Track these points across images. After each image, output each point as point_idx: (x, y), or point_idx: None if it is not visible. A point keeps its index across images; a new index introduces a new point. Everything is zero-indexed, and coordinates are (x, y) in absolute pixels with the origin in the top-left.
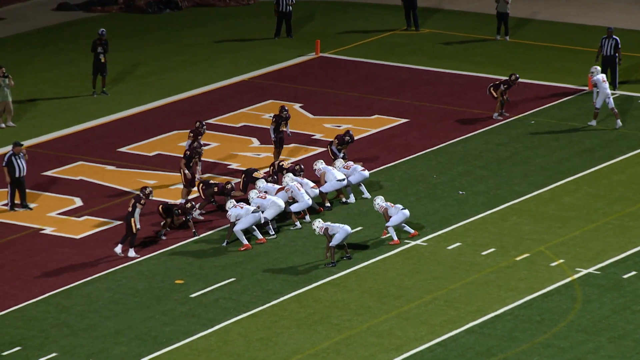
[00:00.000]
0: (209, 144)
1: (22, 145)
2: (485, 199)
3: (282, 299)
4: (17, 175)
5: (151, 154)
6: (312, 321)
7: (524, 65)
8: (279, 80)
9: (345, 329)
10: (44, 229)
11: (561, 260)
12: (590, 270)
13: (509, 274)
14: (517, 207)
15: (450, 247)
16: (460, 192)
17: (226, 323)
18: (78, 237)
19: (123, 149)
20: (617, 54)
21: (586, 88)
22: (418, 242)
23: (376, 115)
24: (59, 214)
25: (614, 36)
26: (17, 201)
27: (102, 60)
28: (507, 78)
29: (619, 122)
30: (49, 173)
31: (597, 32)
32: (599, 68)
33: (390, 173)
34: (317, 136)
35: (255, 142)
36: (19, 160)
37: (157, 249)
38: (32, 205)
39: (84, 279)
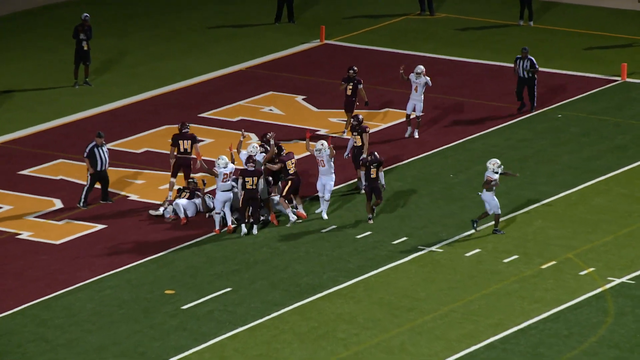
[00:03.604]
0: (203, 140)
1: (103, 137)
2: (507, 201)
3: (282, 311)
4: (99, 168)
5: (139, 151)
6: (316, 336)
7: (549, 54)
8: (279, 70)
9: (352, 345)
10: (20, 234)
11: (591, 269)
12: (624, 279)
13: (533, 283)
14: (543, 209)
15: (468, 254)
16: (480, 193)
17: (221, 338)
18: (58, 242)
19: (108, 146)
20: (534, 75)
21: (618, 78)
22: (433, 248)
23: (386, 109)
24: (37, 217)
25: (530, 57)
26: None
27: (85, 48)
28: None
29: None
30: (25, 172)
31: (631, 17)
32: None
33: (402, 172)
34: (322, 131)
35: (254, 137)
36: (102, 152)
37: (144, 256)
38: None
39: (64, 289)
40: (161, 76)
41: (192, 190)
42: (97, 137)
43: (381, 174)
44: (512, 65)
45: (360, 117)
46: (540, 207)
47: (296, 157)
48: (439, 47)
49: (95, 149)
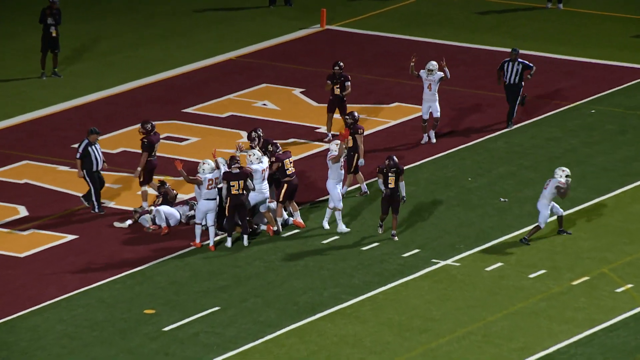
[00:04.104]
0: (187, 139)
1: (98, 133)
2: (533, 208)
3: (278, 332)
4: (94, 168)
5: (115, 151)
6: None
7: (580, 41)
8: (274, 60)
9: None
10: None
11: (629, 285)
12: None
13: (563, 302)
14: (573, 217)
15: (489, 268)
16: (502, 199)
17: None
18: (22, 255)
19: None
20: (521, 82)
21: None
22: (449, 261)
23: (396, 103)
24: None
25: (520, 59)
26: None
27: (54, 34)
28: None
29: None
30: None
31: None
32: None
33: (414, 175)
34: (322, 129)
35: (245, 135)
36: (96, 151)
37: (121, 270)
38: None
39: (30, 308)
40: (140, 66)
41: (164, 194)
42: (90, 134)
43: (402, 184)
44: (526, 63)
45: (357, 114)
46: (570, 215)
47: (295, 157)
48: (455, 33)
49: (90, 148)
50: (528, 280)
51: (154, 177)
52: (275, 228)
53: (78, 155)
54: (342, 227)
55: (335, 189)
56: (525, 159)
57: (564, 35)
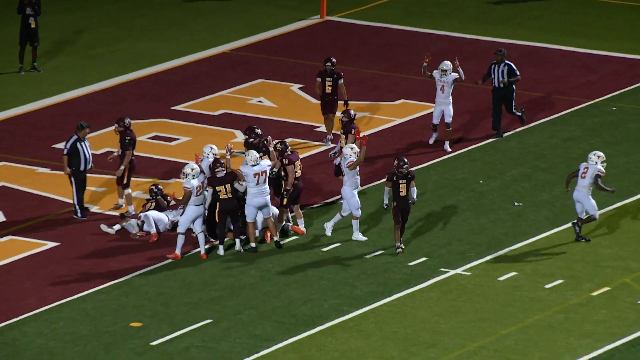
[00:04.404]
0: (177, 139)
1: (88, 127)
2: (550, 213)
3: (275, 347)
4: (82, 167)
5: (99, 152)
6: None
7: (600, 33)
8: (271, 53)
9: None
10: None
11: None
12: None
13: (582, 314)
14: (593, 223)
15: (502, 278)
16: (516, 204)
17: None
18: None
19: (61, 145)
20: (512, 84)
21: None
22: (459, 270)
23: (402, 100)
24: None
25: (507, 61)
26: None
27: (33, 26)
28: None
29: None
30: None
31: None
32: None
33: (422, 177)
34: (322, 127)
35: (239, 135)
36: (85, 148)
37: (106, 280)
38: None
39: (7, 321)
40: (125, 60)
41: (157, 198)
42: (79, 130)
43: (413, 190)
44: (513, 68)
45: (352, 113)
46: None
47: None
48: (465, 25)
49: (79, 144)
50: (544, 290)
51: (142, 179)
52: (276, 238)
53: (65, 152)
54: (359, 236)
55: (354, 196)
56: (541, 160)
57: (582, 27)
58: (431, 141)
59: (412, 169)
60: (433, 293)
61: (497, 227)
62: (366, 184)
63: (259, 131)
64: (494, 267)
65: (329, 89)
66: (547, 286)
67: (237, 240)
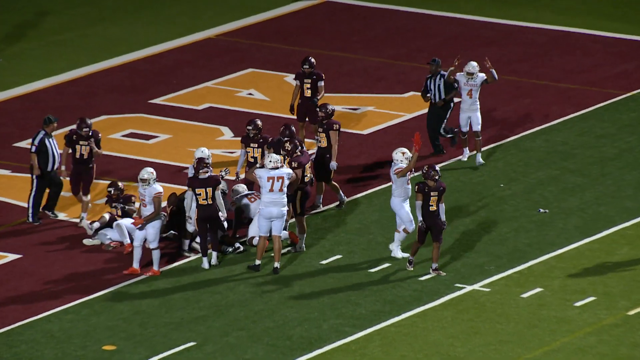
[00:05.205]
0: (156, 136)
1: (56, 121)
2: (581, 221)
3: None
4: (50, 167)
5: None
6: None
7: (637, 16)
8: (263, 39)
9: None
10: None
11: None
12: None
13: (616, 336)
14: (630, 232)
15: (525, 295)
16: (542, 210)
17: None
18: None
19: (23, 144)
20: (450, 101)
21: None
22: (476, 286)
23: (411, 92)
24: None
25: (442, 71)
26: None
27: None
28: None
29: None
30: None
31: None
32: None
33: None
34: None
35: (227, 132)
36: (53, 145)
37: (74, 297)
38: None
39: None
40: (97, 47)
41: (120, 201)
42: (46, 124)
43: (442, 206)
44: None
45: (330, 107)
46: (626, 230)
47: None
48: (483, 6)
49: (47, 141)
50: (574, 309)
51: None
52: (277, 265)
53: (33, 149)
54: (397, 252)
55: (403, 208)
56: (570, 160)
57: (618, 9)
58: (465, 157)
59: (420, 171)
60: (447, 312)
61: (520, 237)
62: (369, 189)
63: (259, 123)
64: (516, 282)
65: (307, 92)
66: (577, 304)
67: (215, 253)
